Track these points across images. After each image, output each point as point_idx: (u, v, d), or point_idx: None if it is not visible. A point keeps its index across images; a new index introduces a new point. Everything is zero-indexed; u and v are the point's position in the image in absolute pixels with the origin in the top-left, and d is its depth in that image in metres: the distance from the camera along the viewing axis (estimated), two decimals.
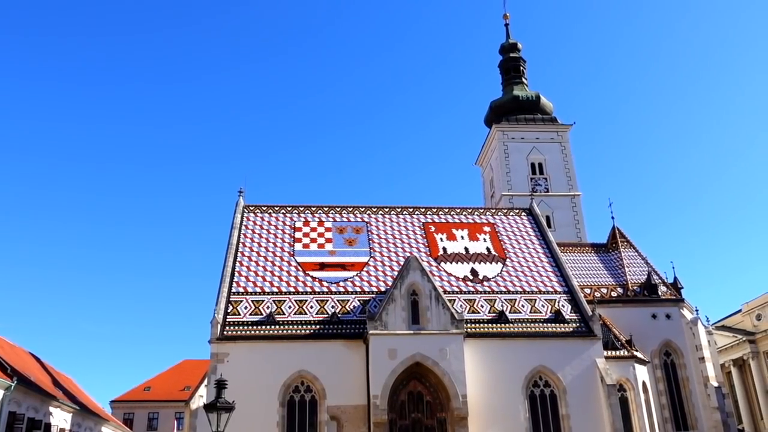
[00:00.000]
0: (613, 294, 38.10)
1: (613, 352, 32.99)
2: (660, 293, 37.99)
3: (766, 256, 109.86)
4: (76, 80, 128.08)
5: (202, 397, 58.72)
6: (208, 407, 15.22)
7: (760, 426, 50.61)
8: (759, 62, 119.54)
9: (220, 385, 15.66)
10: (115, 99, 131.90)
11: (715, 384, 35.84)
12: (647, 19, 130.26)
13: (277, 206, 40.96)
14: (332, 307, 33.08)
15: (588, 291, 37.23)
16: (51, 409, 37.25)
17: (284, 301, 33.23)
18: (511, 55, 59.60)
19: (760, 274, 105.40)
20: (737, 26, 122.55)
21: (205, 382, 37.83)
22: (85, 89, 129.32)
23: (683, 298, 38.33)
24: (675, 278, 39.50)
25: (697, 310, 38.76)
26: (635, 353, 33.75)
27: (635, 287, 38.40)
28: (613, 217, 43.58)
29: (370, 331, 30.42)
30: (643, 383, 33.39)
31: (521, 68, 59.18)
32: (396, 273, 34.22)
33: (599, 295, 37.43)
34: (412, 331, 30.80)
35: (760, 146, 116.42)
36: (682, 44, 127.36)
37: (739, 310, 54.46)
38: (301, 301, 33.32)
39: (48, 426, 36.33)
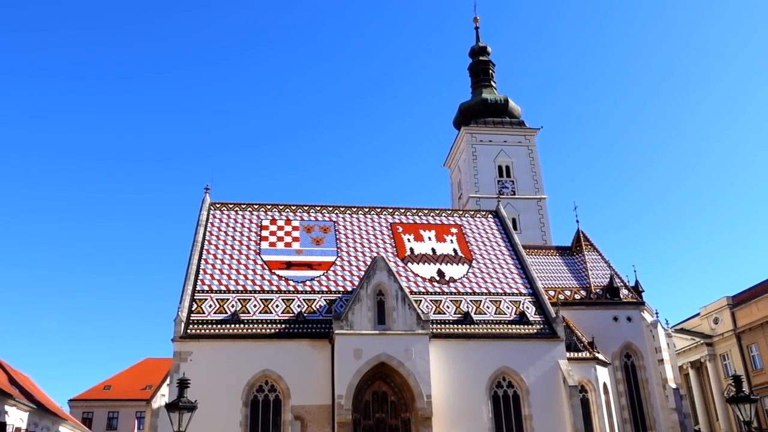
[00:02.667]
0: (577, 296, 38.67)
1: (576, 354, 33.48)
2: (622, 296, 38.67)
3: (724, 261, 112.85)
4: (39, 75, 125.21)
5: (164, 396, 57.89)
6: (170, 406, 15.06)
7: (716, 427, 51.87)
8: (724, 69, 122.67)
9: (183, 384, 15.51)
10: (79, 94, 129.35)
11: (674, 386, 36.62)
12: (613, 26, 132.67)
13: (244, 204, 40.58)
14: (298, 306, 32.91)
15: (552, 293, 37.72)
16: (6, 407, 36.38)
17: (249, 299, 32.95)
18: (481, 58, 60.20)
19: (719, 279, 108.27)
20: (703, 32, 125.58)
21: (168, 381, 37.34)
22: (48, 84, 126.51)
23: (644, 302, 39.08)
24: (636, 282, 40.26)
25: (657, 313, 39.59)
26: (597, 355, 34.31)
27: (598, 290, 39.03)
28: (577, 221, 44.29)
29: (336, 331, 30.35)
30: (604, 384, 33.96)
31: (490, 71, 59.83)
32: (363, 273, 34.21)
33: (563, 297, 37.96)
34: (377, 332, 30.82)
35: (720, 152, 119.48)
36: (647, 51, 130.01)
37: (698, 314, 55.70)
38: (266, 300, 33.08)
39: (3, 425, 35.46)
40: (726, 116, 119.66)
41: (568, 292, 38.79)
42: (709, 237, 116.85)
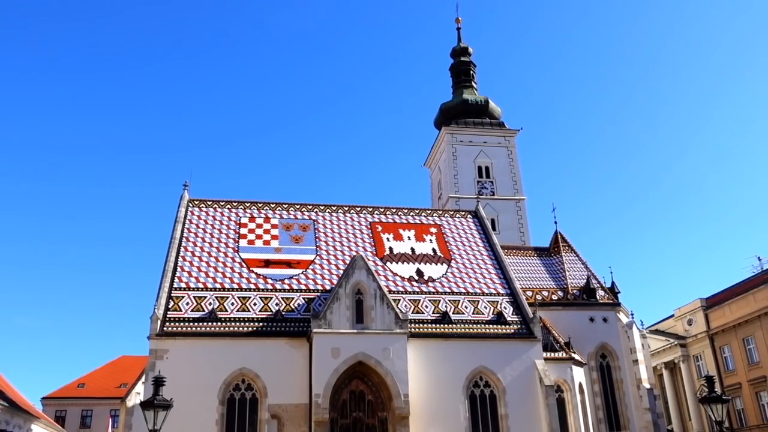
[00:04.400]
0: (554, 297, 38.97)
1: (552, 354, 33.76)
2: (598, 297, 39.05)
3: (698, 263, 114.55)
4: (8, 68, 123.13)
5: (139, 394, 57.25)
6: (145, 405, 14.93)
7: (688, 427, 52.67)
8: (698, 72, 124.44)
9: (158, 382, 15.38)
10: (53, 88, 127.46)
11: (647, 386, 37.06)
12: (591, 29, 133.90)
13: (222, 201, 40.32)
14: (276, 304, 32.78)
15: (530, 294, 37.96)
16: None
17: (227, 297, 32.75)
18: (462, 59, 60.48)
19: (693, 281, 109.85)
20: (678, 34, 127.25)
21: (143, 379, 36.95)
22: (20, 77, 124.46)
23: (620, 303, 39.49)
24: (613, 283, 40.70)
25: (632, 315, 40.04)
26: (573, 355, 34.63)
27: (575, 291, 39.37)
28: (556, 222, 44.77)
29: (314, 330, 30.29)
30: (580, 384, 34.29)
31: (471, 72, 60.16)
32: (342, 272, 34.17)
33: (540, 297, 38.22)
34: (356, 330, 30.82)
35: (695, 155, 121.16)
36: (624, 54, 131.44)
37: (672, 315, 56.54)
38: (244, 298, 32.90)
39: None
40: (700, 119, 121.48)
41: (545, 293, 39.09)
42: (684, 239, 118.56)
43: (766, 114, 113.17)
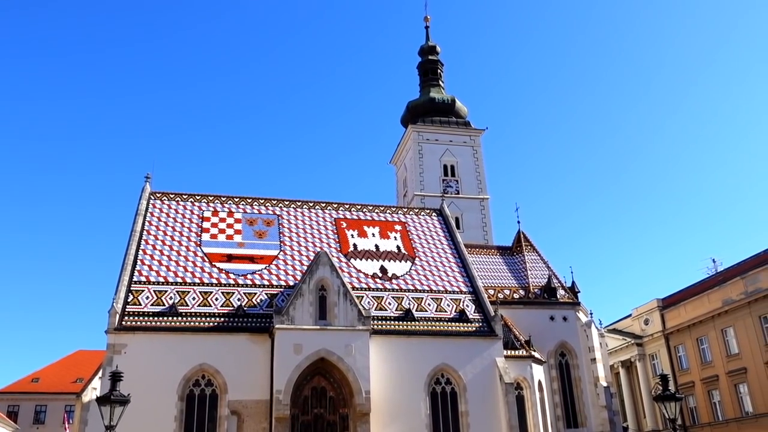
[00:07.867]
0: (515, 296, 39.41)
1: (513, 352, 34.16)
2: (558, 296, 39.65)
3: (656, 265, 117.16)
4: None
5: (95, 389, 56.28)
6: (101, 400, 14.67)
7: (643, 424, 53.93)
8: (657, 71, 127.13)
9: (115, 377, 15.12)
10: (8, 68, 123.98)
11: (605, 384, 37.78)
12: (551, 31, 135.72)
13: (185, 194, 39.73)
14: (238, 299, 32.48)
15: (492, 292, 38.36)
16: None
17: (188, 292, 32.30)
18: (430, 57, 60.72)
19: (651, 282, 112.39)
20: (635, 38, 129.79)
21: (100, 374, 36.30)
22: None
23: (579, 302, 40.15)
24: (573, 283, 41.34)
25: (591, 314, 40.74)
26: (533, 353, 35.11)
27: (536, 290, 39.90)
28: (519, 222, 45.22)
29: (276, 325, 30.10)
30: (539, 382, 34.78)
31: (439, 71, 60.44)
32: (306, 268, 34.03)
33: (502, 296, 38.63)
34: (318, 327, 30.73)
35: (652, 155, 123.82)
36: (582, 57, 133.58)
37: (630, 315, 57.76)
38: (205, 292, 32.50)
39: None
40: (658, 122, 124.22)
41: (507, 291, 39.51)
42: (643, 241, 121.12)
43: (722, 117, 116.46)
